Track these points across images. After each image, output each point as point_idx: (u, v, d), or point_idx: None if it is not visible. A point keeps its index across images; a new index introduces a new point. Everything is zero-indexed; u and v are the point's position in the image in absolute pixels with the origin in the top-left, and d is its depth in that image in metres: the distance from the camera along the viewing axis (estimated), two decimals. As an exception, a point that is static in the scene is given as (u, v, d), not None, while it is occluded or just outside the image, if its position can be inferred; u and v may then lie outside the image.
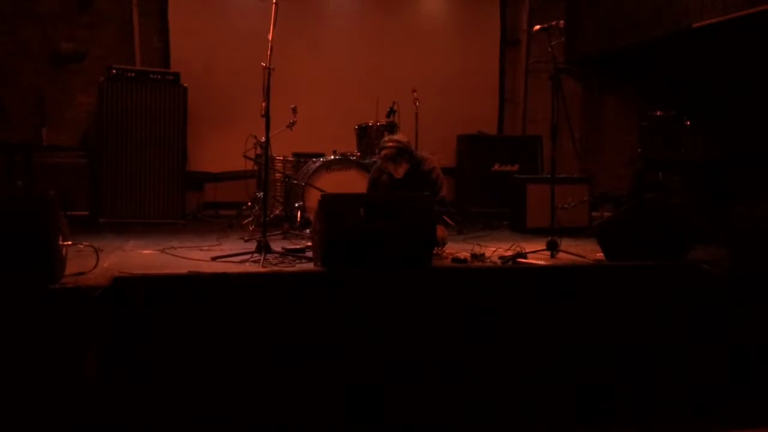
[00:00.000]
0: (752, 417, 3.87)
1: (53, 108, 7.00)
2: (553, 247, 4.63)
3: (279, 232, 5.63)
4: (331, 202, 3.96)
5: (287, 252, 4.46)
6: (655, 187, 6.25)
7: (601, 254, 4.59)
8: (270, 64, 4.45)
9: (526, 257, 4.46)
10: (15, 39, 6.92)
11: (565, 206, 5.89)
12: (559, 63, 5.07)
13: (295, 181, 5.94)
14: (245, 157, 6.00)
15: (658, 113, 6.51)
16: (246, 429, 3.56)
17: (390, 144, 4.83)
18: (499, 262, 4.37)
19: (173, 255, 4.54)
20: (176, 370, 3.49)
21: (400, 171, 4.85)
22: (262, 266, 4.04)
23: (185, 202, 6.72)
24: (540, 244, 4.72)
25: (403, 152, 4.82)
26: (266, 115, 4.47)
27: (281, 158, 6.41)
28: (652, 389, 4.05)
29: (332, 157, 6.02)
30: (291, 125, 5.88)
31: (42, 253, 3.32)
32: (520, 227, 6.27)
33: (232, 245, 4.98)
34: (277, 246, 4.57)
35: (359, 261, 3.86)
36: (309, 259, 4.25)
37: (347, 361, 3.70)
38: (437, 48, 8.02)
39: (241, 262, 4.22)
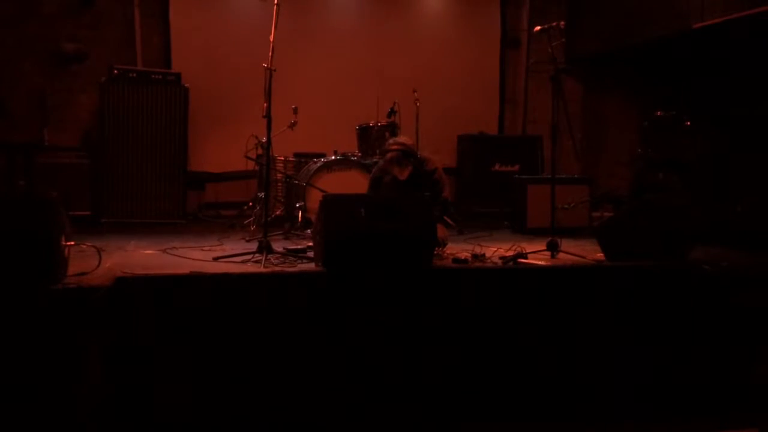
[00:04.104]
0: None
1: (55, 108, 7.00)
2: (553, 248, 4.64)
3: (280, 232, 5.64)
4: (332, 203, 3.98)
5: (288, 252, 4.47)
6: (656, 188, 6.25)
7: (602, 254, 4.60)
8: (271, 65, 4.46)
9: (526, 257, 4.47)
10: (17, 39, 6.92)
11: (566, 206, 5.91)
12: (560, 63, 5.08)
13: (296, 182, 5.95)
14: (246, 157, 6.01)
15: (659, 113, 6.51)
16: (247, 429, 3.58)
17: (395, 147, 4.83)
18: (499, 262, 4.38)
19: (175, 255, 4.55)
20: (178, 370, 3.51)
21: (404, 173, 4.84)
22: (264, 266, 4.05)
23: (186, 202, 6.74)
24: (540, 245, 4.73)
25: (407, 155, 4.82)
26: (268, 116, 4.48)
27: (282, 158, 6.42)
28: (652, 389, 4.07)
29: (333, 157, 6.03)
30: (292, 125, 5.90)
31: (45, 253, 3.34)
32: (521, 227, 6.28)
33: (234, 245, 4.99)
34: (278, 246, 4.59)
35: (360, 261, 3.87)
36: (310, 260, 4.27)
37: (348, 361, 3.71)
38: (438, 48, 8.03)
39: (243, 262, 4.24)
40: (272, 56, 4.47)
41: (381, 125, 6.13)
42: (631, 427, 3.91)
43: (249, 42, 7.01)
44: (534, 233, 5.80)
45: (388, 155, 4.85)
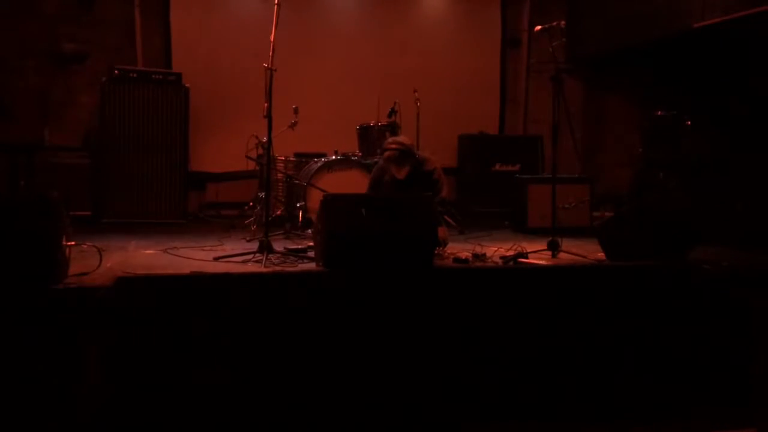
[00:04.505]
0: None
1: (56, 108, 7.01)
2: (554, 247, 4.64)
3: (281, 232, 5.64)
4: (332, 203, 3.98)
5: (289, 252, 4.48)
6: (656, 187, 6.26)
7: (602, 254, 4.60)
8: (272, 65, 4.46)
9: (527, 257, 4.47)
10: (18, 39, 6.93)
11: (566, 206, 5.91)
12: (560, 63, 5.09)
13: (297, 182, 5.95)
14: (247, 157, 6.01)
15: (659, 113, 6.51)
16: (248, 428, 3.58)
17: (393, 146, 4.84)
18: (500, 262, 4.38)
19: (176, 255, 4.55)
20: (179, 370, 3.51)
21: (402, 172, 4.85)
22: (264, 266, 4.05)
23: (187, 202, 6.75)
24: (541, 244, 4.73)
25: (406, 154, 4.82)
26: (268, 116, 4.48)
27: (283, 158, 6.42)
28: (651, 388, 4.07)
29: (334, 157, 6.03)
30: (293, 125, 5.90)
31: (45, 253, 3.34)
32: (522, 227, 6.28)
33: (234, 245, 5.00)
34: (279, 246, 4.59)
35: (361, 261, 3.87)
36: (311, 259, 4.27)
37: (349, 361, 3.71)
38: (438, 48, 8.03)
39: (244, 262, 4.24)
40: (273, 56, 4.47)
41: (381, 125, 6.14)
42: (631, 426, 3.91)
43: (250, 42, 7.01)
44: (535, 233, 5.81)
45: (386, 154, 4.85)
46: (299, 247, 4.71)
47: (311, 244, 4.61)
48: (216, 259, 4.35)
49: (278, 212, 6.22)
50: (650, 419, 3.97)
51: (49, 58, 7.04)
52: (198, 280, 3.66)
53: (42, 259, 3.34)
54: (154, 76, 6.57)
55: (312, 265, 4.13)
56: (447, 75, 7.93)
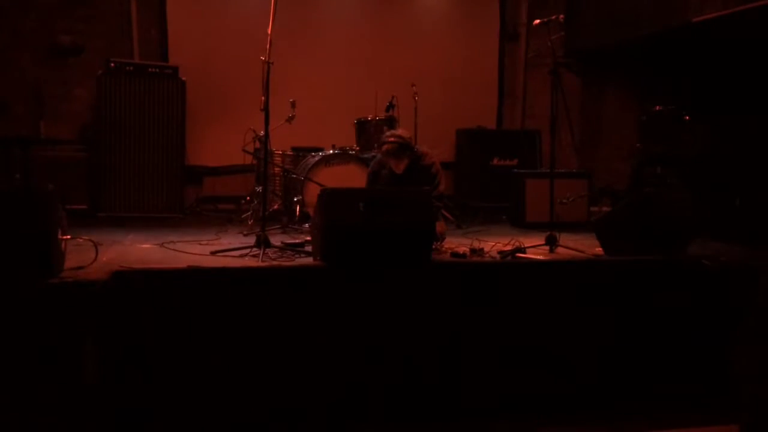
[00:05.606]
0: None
1: (51, 101, 6.98)
2: (552, 242, 4.64)
3: (278, 226, 5.63)
4: (330, 197, 3.96)
5: (286, 246, 4.46)
6: (654, 182, 6.25)
7: (600, 249, 4.59)
8: (269, 58, 4.44)
9: (525, 252, 4.46)
10: (13, 32, 6.89)
11: (564, 201, 5.90)
12: (559, 57, 5.08)
13: (294, 176, 5.94)
14: (244, 151, 5.99)
15: (658, 108, 6.50)
16: (246, 424, 3.57)
17: (392, 139, 4.82)
18: (498, 256, 4.37)
19: (172, 249, 4.54)
20: (176, 365, 3.50)
21: (400, 166, 4.84)
22: (262, 260, 4.04)
23: (184, 196, 6.73)
24: (539, 239, 4.73)
25: (404, 148, 4.81)
26: (265, 109, 4.46)
27: (280, 152, 6.41)
28: (649, 385, 4.07)
29: (331, 151, 6.01)
30: (290, 119, 5.88)
31: (41, 247, 3.32)
32: (520, 222, 6.27)
33: (231, 239, 4.99)
34: (276, 240, 4.58)
35: (358, 255, 3.85)
36: (308, 254, 4.26)
37: (347, 356, 3.71)
38: (436, 42, 8.01)
39: (241, 256, 4.23)
40: (270, 49, 4.45)
41: (379, 119, 6.12)
42: (625, 425, 3.90)
43: (247, 35, 6.95)
44: (533, 228, 5.80)
45: (384, 147, 4.84)
46: (296, 241, 4.70)
47: (308, 238, 4.59)
48: (213, 253, 4.34)
49: (275, 206, 6.20)
50: (647, 416, 3.96)
51: (45, 50, 7.00)
52: (195, 275, 3.64)
53: (37, 253, 3.31)
54: (150, 69, 6.54)
55: (309, 260, 4.12)
56: (445, 69, 7.91)
